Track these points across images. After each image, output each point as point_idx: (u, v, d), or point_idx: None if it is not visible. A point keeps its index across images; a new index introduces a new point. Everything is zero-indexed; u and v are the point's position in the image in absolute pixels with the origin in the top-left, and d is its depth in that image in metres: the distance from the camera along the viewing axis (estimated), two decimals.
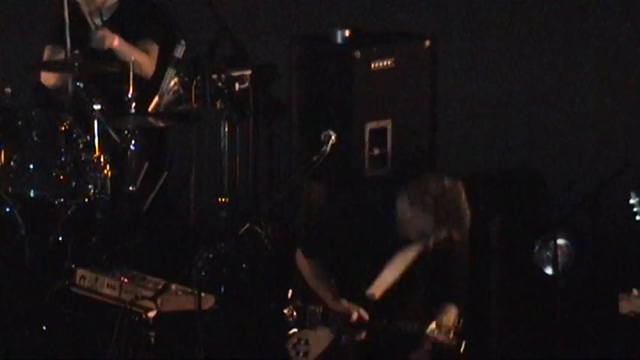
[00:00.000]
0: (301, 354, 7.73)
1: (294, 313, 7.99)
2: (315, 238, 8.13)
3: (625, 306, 7.43)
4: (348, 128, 9.14)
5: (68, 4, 9.33)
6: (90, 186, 8.60)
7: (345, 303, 7.69)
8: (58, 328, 8.09)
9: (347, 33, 9.51)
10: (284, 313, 8.03)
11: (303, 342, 7.74)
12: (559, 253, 8.53)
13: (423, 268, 8.18)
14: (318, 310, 7.82)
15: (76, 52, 9.02)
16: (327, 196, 9.37)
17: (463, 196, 7.97)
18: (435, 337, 7.92)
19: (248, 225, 7.77)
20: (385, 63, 9.43)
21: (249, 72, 9.09)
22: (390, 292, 7.99)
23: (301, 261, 7.84)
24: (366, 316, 7.69)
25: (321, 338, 7.74)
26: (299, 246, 7.98)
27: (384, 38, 9.81)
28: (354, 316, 7.66)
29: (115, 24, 9.71)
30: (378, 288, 7.87)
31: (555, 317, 8.51)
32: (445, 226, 7.94)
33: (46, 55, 9.38)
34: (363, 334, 7.71)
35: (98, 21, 9.70)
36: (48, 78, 9.21)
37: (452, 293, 8.17)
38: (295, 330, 7.80)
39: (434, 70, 9.58)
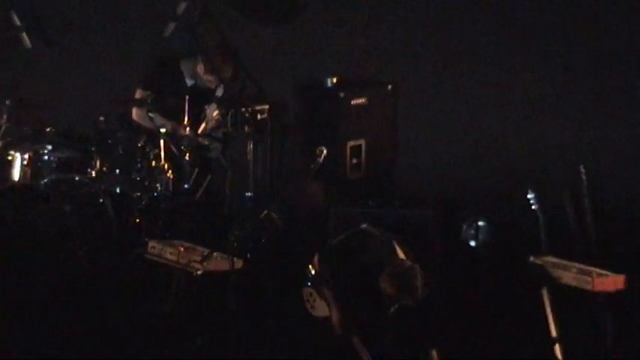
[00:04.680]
0: (311, 304, 7.60)
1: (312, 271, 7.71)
2: (332, 268, 7.75)
3: (525, 266, 7.28)
4: (335, 145, 9.33)
5: (164, 63, 9.50)
6: (157, 184, 8.75)
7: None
8: (136, 282, 8.21)
9: (334, 80, 9.74)
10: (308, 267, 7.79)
11: (313, 297, 7.67)
12: (480, 231, 8.71)
13: None
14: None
15: (148, 93, 9.12)
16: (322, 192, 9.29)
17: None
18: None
19: (266, 212, 8.20)
20: (361, 100, 9.74)
21: (267, 107, 9.13)
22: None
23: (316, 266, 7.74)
24: None
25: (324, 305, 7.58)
26: (318, 254, 7.77)
27: (359, 83, 9.99)
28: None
29: None
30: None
31: (477, 275, 8.55)
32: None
33: (137, 95, 9.35)
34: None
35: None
36: (140, 117, 9.28)
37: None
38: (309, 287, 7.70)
39: (395, 106, 9.77)
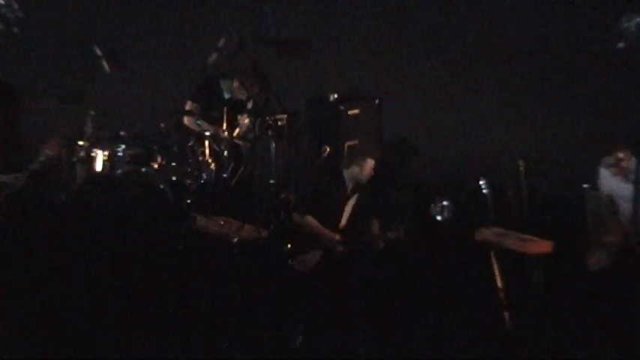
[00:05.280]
0: (303, 265, 7.72)
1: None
2: (305, 203, 8.13)
3: (478, 235, 7.62)
4: (336, 144, 9.49)
5: (208, 82, 9.35)
6: (203, 174, 8.86)
7: (332, 233, 7.83)
8: (187, 246, 8.11)
9: (335, 96, 10.04)
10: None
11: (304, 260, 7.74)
12: (444, 209, 8.17)
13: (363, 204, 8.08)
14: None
15: (196, 105, 9.12)
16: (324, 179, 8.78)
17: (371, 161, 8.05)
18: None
19: (285, 194, 8.67)
20: (355, 111, 9.96)
21: (285, 116, 9.27)
22: (349, 221, 8.04)
23: (299, 219, 7.90)
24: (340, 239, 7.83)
25: (315, 254, 7.72)
26: (294, 211, 8.08)
27: (354, 97, 10.12)
28: (337, 238, 7.83)
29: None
30: (343, 221, 8.00)
31: (440, 240, 8.48)
32: (362, 176, 8.03)
33: (187, 107, 9.24)
34: (340, 249, 7.77)
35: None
36: (190, 123, 9.16)
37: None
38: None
39: (380, 115, 10.09)
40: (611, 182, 8.28)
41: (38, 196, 8.36)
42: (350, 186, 8.04)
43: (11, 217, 7.66)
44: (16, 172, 7.77)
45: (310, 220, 7.80)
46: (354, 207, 8.01)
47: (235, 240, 7.68)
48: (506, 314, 7.17)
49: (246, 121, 9.15)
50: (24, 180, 7.56)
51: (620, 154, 8.18)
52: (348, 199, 7.99)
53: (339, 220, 7.95)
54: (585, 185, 8.41)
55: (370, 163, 8.09)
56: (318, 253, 7.71)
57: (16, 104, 9.09)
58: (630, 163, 8.07)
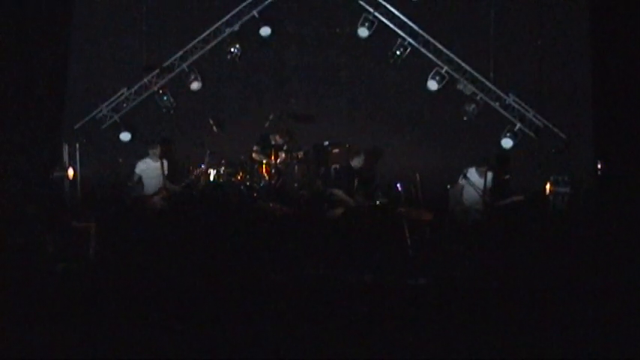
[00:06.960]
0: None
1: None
2: (336, 183, 9.46)
3: (398, 210, 8.59)
4: (328, 167, 10.72)
5: (264, 136, 10.73)
6: (262, 181, 10.53)
7: (351, 199, 9.26)
8: (256, 218, 9.23)
9: (327, 142, 11.36)
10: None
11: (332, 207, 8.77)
12: (380, 196, 9.81)
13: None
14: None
15: (259, 147, 10.75)
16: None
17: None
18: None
19: (302, 191, 10.39)
20: (336, 150, 11.31)
21: (302, 152, 10.99)
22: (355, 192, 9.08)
23: (333, 192, 9.21)
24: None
25: (340, 210, 9.07)
26: (332, 188, 9.44)
27: (336, 144, 11.21)
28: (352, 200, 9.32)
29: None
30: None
31: (381, 212, 9.25)
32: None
33: (254, 148, 10.81)
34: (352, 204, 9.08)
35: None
36: (256, 156, 10.66)
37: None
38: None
39: (348, 153, 10.69)
40: (471, 177, 9.87)
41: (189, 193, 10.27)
42: (355, 169, 9.69)
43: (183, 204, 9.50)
44: (178, 184, 9.76)
45: (337, 191, 9.52)
46: (358, 183, 9.89)
47: (278, 213, 9.39)
48: (410, 251, 8.76)
49: (283, 155, 10.99)
50: (183, 188, 9.62)
51: (482, 169, 9.83)
52: (353, 180, 9.60)
53: (352, 192, 9.78)
54: (448, 186, 10.30)
55: (362, 156, 9.94)
56: (341, 209, 9.28)
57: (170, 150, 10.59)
58: (482, 173, 9.69)
